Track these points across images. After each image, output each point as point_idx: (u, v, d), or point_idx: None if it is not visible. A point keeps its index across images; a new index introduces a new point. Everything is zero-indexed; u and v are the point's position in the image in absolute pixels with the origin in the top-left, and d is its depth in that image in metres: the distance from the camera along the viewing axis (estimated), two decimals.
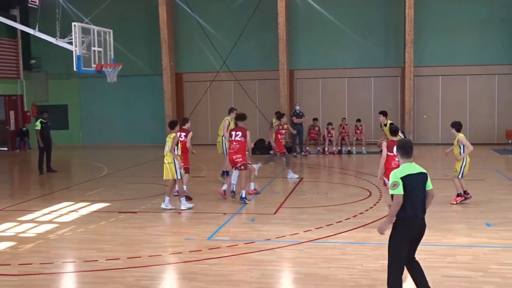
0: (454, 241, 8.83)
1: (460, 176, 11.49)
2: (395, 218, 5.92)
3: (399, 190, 5.80)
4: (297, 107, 21.94)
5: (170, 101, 25.46)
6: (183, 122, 13.12)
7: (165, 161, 11.55)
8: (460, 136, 11.36)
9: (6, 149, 26.51)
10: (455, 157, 11.53)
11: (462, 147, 11.36)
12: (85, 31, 15.56)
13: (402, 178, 5.83)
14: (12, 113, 26.65)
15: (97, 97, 27.28)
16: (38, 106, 26.25)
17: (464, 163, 11.41)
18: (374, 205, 11.61)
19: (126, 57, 23.32)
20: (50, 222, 10.81)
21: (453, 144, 11.59)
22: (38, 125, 17.64)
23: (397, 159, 10.33)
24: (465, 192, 11.64)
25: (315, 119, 22.91)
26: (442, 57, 24.29)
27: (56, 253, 8.67)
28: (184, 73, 26.43)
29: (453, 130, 11.49)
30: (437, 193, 12.96)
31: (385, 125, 14.29)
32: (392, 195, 5.87)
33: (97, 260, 8.13)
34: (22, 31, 24.09)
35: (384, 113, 14.53)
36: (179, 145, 11.78)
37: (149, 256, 8.30)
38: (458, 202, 11.58)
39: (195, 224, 10.37)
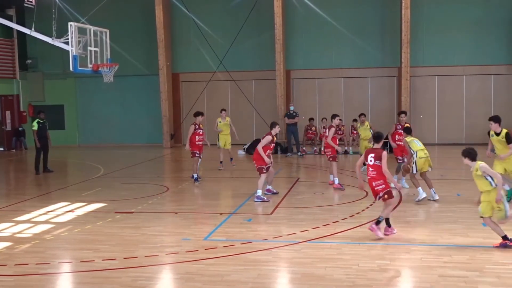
0: (450, 241, 8.84)
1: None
2: None
3: None
4: (291, 108, 21.90)
5: (166, 101, 25.43)
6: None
7: None
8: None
9: (2, 149, 26.43)
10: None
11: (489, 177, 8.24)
12: (82, 31, 15.53)
13: None
14: (8, 113, 26.61)
15: (94, 97, 27.25)
16: (35, 106, 26.22)
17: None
18: (371, 205, 11.61)
19: (123, 57, 23.30)
20: (46, 222, 10.78)
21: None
22: (35, 125, 17.59)
23: (371, 169, 8.91)
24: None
25: (311, 119, 22.90)
26: (439, 57, 24.35)
27: (52, 254, 8.65)
28: (181, 73, 26.42)
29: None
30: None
31: (498, 134, 10.82)
32: None
33: (93, 261, 8.12)
34: (18, 31, 24.08)
35: (496, 119, 10.91)
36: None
37: (145, 256, 8.29)
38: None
39: (191, 224, 10.37)
